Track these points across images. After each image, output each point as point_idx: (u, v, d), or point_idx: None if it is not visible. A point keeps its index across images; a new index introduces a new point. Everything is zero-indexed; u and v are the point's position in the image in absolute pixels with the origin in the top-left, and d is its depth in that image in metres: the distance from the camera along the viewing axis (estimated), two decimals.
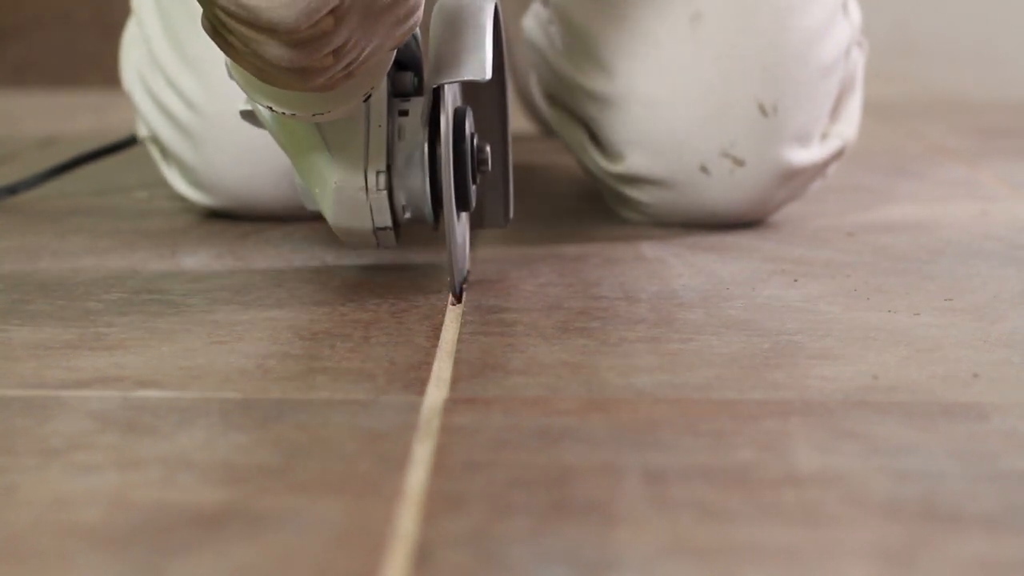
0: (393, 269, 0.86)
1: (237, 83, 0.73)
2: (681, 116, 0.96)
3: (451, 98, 0.77)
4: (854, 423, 0.60)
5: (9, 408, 0.62)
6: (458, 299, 0.79)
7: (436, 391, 0.64)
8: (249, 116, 0.81)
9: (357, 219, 0.78)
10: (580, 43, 1.00)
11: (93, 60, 1.88)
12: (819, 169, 1.00)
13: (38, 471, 0.55)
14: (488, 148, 0.79)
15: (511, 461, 0.56)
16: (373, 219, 0.78)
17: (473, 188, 0.78)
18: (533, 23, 1.06)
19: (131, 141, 1.08)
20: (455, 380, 0.66)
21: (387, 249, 0.82)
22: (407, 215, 0.79)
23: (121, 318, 0.76)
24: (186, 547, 0.48)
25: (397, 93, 0.79)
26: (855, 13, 1.01)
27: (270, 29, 0.63)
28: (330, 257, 0.89)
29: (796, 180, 0.99)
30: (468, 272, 0.84)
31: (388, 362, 0.68)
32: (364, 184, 0.77)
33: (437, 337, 0.72)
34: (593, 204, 1.08)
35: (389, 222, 0.78)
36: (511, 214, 0.85)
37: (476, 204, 0.83)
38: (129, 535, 0.49)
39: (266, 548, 0.48)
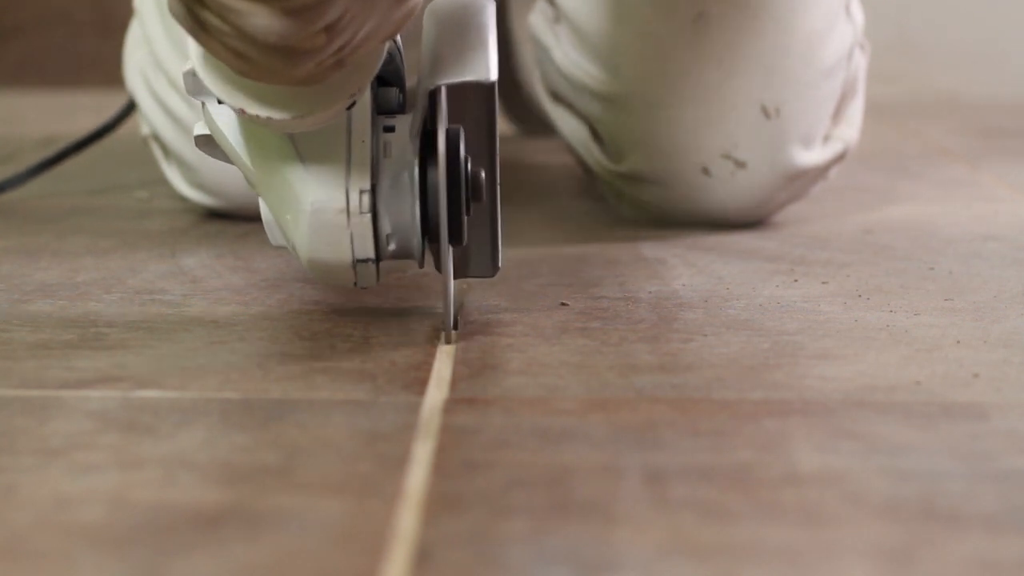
0: (393, 269, 0.86)
1: (205, 90, 0.66)
2: (683, 117, 0.96)
3: (445, 111, 0.68)
4: (854, 423, 0.60)
5: (9, 408, 0.62)
6: (449, 339, 0.71)
7: (436, 391, 0.64)
8: (205, 142, 0.71)
9: (335, 249, 0.68)
10: (584, 42, 1.00)
11: (93, 60, 1.88)
12: (821, 171, 1.00)
13: (38, 471, 0.55)
14: (483, 174, 0.69)
15: (511, 461, 0.56)
16: (353, 249, 0.68)
17: (466, 220, 0.69)
18: (539, 20, 1.06)
19: (130, 108, 1.07)
20: (455, 380, 0.66)
21: (365, 288, 0.73)
22: (391, 247, 0.69)
23: (121, 318, 0.76)
24: (186, 547, 0.48)
25: (381, 110, 0.70)
26: (858, 15, 1.01)
27: None
28: None
29: (798, 182, 0.99)
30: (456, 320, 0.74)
31: (388, 362, 0.68)
32: (345, 205, 0.67)
33: (437, 337, 0.72)
34: (593, 204, 1.08)
35: (372, 253, 0.68)
36: (500, 261, 0.74)
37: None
38: (129, 535, 0.49)
39: (266, 548, 0.48)
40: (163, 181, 1.07)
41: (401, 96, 0.71)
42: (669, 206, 0.99)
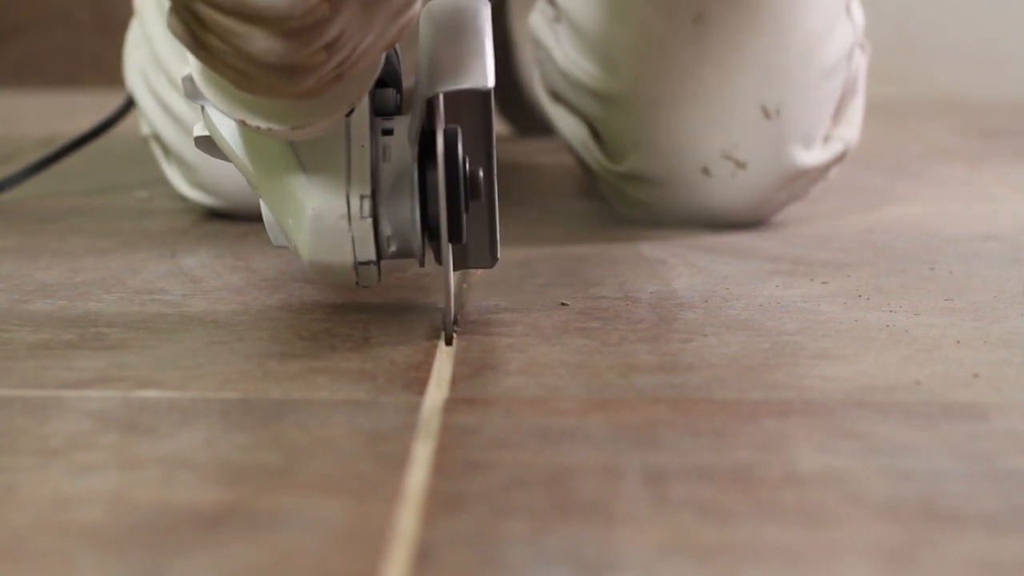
0: (393, 270, 0.86)
1: (204, 96, 0.66)
2: (684, 117, 0.96)
3: (443, 116, 0.69)
4: (854, 423, 0.60)
5: (9, 408, 0.62)
6: (449, 337, 0.71)
7: (436, 391, 0.64)
8: (205, 143, 0.71)
9: (336, 252, 0.69)
10: (584, 41, 1.00)
11: (93, 60, 1.88)
12: (821, 172, 1.00)
13: (38, 471, 0.55)
14: (481, 174, 0.70)
15: (511, 461, 0.56)
16: (355, 252, 0.69)
17: (465, 218, 0.70)
18: (539, 19, 1.06)
19: (128, 105, 1.07)
20: (455, 380, 0.66)
21: (366, 288, 0.74)
22: (392, 248, 0.70)
23: (121, 318, 0.76)
24: (186, 547, 0.48)
25: (379, 112, 0.71)
26: (858, 15, 1.01)
27: (259, 17, 0.58)
28: None
29: (798, 183, 0.99)
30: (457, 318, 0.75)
31: (388, 362, 0.68)
32: (346, 211, 0.68)
33: (437, 337, 0.72)
34: (593, 204, 1.08)
35: (373, 255, 0.69)
36: (498, 253, 0.75)
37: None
38: (129, 535, 0.49)
39: (266, 548, 0.48)
40: (163, 181, 1.07)
41: (398, 97, 0.71)
42: (669, 206, 0.99)
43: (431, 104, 0.68)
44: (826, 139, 1.00)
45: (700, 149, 0.96)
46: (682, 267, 0.88)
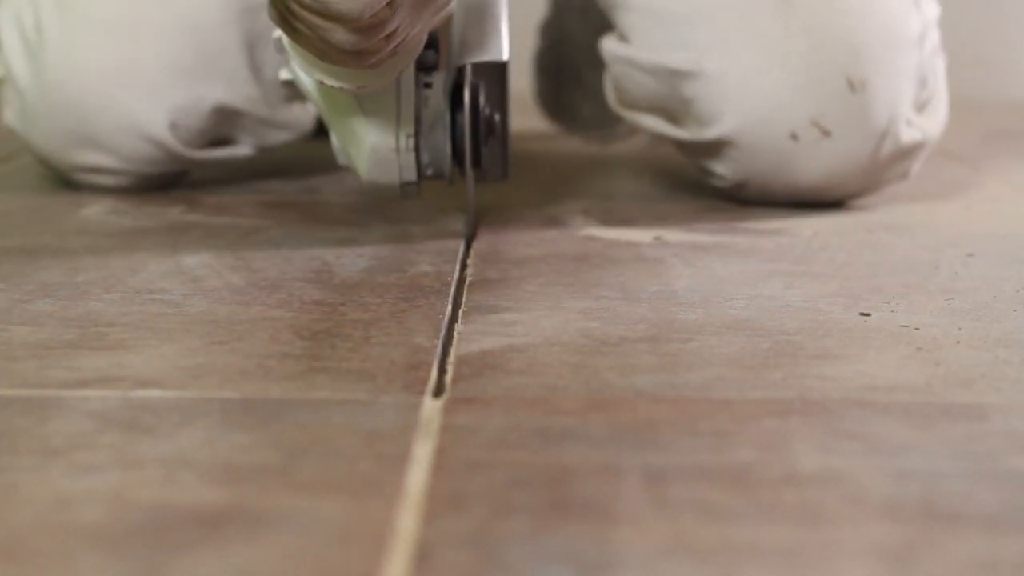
0: (393, 270, 0.86)
1: (292, 58, 0.85)
2: (773, 84, 1.01)
3: (469, 74, 0.90)
4: (854, 423, 0.60)
5: (9, 408, 0.62)
6: (470, 239, 0.91)
7: (436, 391, 0.64)
8: (288, 85, 0.92)
9: (387, 175, 0.90)
10: (669, 27, 1.04)
11: None
12: (902, 154, 1.04)
13: (38, 471, 0.55)
14: (497, 117, 0.91)
15: (511, 461, 0.56)
16: (401, 175, 0.90)
17: (484, 150, 0.91)
18: (610, 43, 1.10)
19: None
20: (455, 380, 0.66)
21: (409, 200, 0.94)
22: (429, 171, 0.92)
23: (121, 318, 0.76)
24: (186, 547, 0.48)
25: (420, 67, 0.90)
26: (928, 8, 1.06)
27: (337, 18, 0.73)
28: (330, 257, 0.89)
29: (878, 161, 1.02)
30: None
31: (388, 362, 0.68)
32: (396, 144, 0.90)
33: (437, 337, 0.72)
34: (593, 203, 1.08)
35: (415, 177, 0.91)
36: (509, 172, 0.94)
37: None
38: (129, 535, 0.49)
39: (266, 548, 0.48)
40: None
41: (436, 56, 0.91)
42: (754, 173, 1.03)
43: (460, 69, 0.91)
44: (908, 123, 1.04)
45: (789, 114, 1.01)
46: (682, 267, 0.88)
